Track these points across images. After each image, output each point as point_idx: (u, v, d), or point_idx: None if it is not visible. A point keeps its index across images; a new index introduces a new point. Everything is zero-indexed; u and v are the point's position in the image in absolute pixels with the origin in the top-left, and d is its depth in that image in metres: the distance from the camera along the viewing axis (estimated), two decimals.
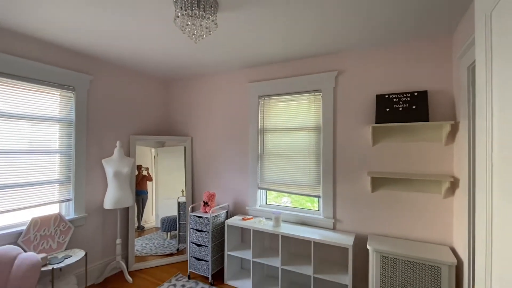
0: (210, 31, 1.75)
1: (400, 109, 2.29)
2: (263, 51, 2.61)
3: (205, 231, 2.83)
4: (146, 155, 3.44)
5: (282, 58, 2.81)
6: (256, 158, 3.06)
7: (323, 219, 2.65)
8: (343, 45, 2.44)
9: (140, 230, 3.42)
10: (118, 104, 3.13)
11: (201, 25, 1.69)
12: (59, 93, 2.60)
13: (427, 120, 2.18)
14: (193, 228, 2.92)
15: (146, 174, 3.39)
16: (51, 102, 2.54)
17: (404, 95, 2.30)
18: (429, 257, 1.97)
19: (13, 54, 2.23)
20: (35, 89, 2.42)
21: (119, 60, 2.92)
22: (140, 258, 3.22)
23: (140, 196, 3.35)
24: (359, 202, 2.53)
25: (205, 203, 2.96)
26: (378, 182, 2.45)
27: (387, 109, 2.34)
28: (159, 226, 3.52)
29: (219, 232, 2.93)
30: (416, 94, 2.26)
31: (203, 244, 2.84)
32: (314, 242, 2.38)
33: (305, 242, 2.74)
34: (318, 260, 2.56)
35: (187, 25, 1.67)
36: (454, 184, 2.15)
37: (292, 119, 2.88)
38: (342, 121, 2.62)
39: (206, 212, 2.95)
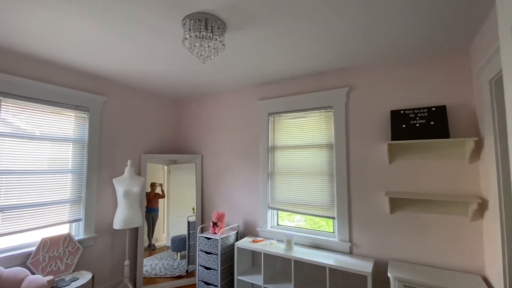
0: (218, 51, 1.76)
1: (417, 125, 2.17)
2: (271, 69, 2.60)
3: (214, 254, 2.72)
4: (159, 172, 3.44)
5: (292, 75, 2.79)
6: (266, 177, 2.98)
7: (339, 242, 2.49)
8: (354, 61, 2.39)
9: (151, 249, 3.35)
10: (130, 124, 3.19)
11: (209, 46, 1.70)
12: (74, 114, 2.67)
13: (447, 136, 2.04)
14: (202, 250, 2.83)
15: (160, 192, 3.36)
16: (66, 123, 2.61)
17: (421, 110, 2.19)
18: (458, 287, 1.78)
19: (30, 78, 2.34)
20: (51, 111, 2.50)
21: (131, 81, 3.00)
22: (149, 280, 3.13)
23: (151, 213, 3.31)
24: (377, 224, 2.37)
25: (214, 224, 2.87)
26: (397, 203, 2.30)
27: (403, 126, 2.23)
28: (170, 245, 3.44)
29: (228, 254, 2.81)
30: (433, 109, 2.15)
31: (212, 268, 2.73)
32: (330, 268, 2.22)
33: (320, 267, 2.57)
34: (334, 287, 2.38)
35: (195, 46, 1.69)
36: (482, 206, 1.97)
37: (303, 136, 2.81)
38: (355, 138, 2.52)
39: (215, 233, 2.86)
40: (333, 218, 2.58)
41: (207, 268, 2.76)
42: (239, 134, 3.28)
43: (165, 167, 3.51)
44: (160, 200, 3.40)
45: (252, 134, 3.16)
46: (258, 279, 2.59)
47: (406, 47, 2.10)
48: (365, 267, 2.13)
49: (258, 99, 3.15)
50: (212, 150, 3.50)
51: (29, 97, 2.31)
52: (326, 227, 2.82)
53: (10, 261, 2.14)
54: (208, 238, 2.79)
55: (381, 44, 2.05)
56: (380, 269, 2.33)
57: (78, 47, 2.15)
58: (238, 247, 2.71)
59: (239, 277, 2.68)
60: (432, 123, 2.12)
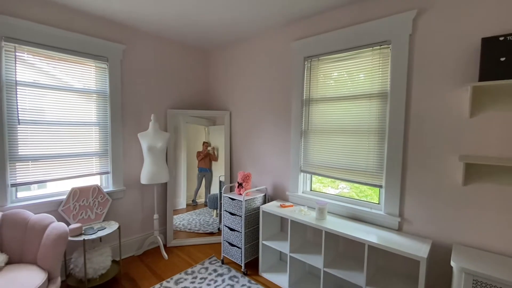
0: None
1: None
2: None
3: (238, 215, 2.52)
4: (201, 134, 3.33)
5: (335, 2, 2.12)
6: (299, 135, 2.53)
7: (385, 216, 2.01)
8: None
9: (194, 204, 3.40)
10: (153, 76, 2.97)
11: None
12: (94, 65, 2.54)
13: None
14: (226, 211, 2.65)
15: (212, 153, 3.26)
16: (88, 74, 2.50)
17: None
18: None
19: (44, 23, 2.19)
20: (71, 60, 2.39)
21: (152, 27, 2.69)
22: (180, 234, 3.18)
23: (202, 173, 3.29)
24: (441, 197, 1.79)
25: (240, 184, 2.62)
26: (475, 171, 1.66)
27: (502, 59, 1.49)
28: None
29: (254, 217, 2.58)
30: None
31: (236, 229, 2.55)
32: (369, 246, 1.80)
33: (358, 243, 2.16)
34: (373, 267, 1.97)
35: None
36: None
37: (347, 84, 2.22)
38: (420, 83, 1.84)
39: (240, 194, 2.63)
40: (380, 186, 2.07)
41: (231, 229, 2.60)
42: (269, 86, 2.81)
43: (206, 129, 3.37)
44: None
45: (284, 85, 2.66)
46: (284, 247, 2.33)
47: None
48: (419, 249, 1.65)
49: (293, 40, 2.57)
50: (241, 106, 3.14)
51: (45, 44, 2.20)
52: (375, 196, 2.32)
53: (44, 207, 2.25)
54: (232, 199, 2.57)
55: None
56: (438, 254, 1.81)
57: None
58: (263, 211, 2.45)
59: (264, 242, 2.45)
60: None
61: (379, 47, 2.03)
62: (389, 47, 1.98)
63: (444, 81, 1.75)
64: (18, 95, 2.10)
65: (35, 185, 2.41)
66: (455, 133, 1.72)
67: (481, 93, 1.62)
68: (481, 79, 1.52)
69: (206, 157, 3.28)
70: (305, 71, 2.49)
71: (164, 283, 2.34)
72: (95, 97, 2.55)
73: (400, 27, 1.89)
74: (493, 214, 1.61)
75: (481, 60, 1.54)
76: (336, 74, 2.29)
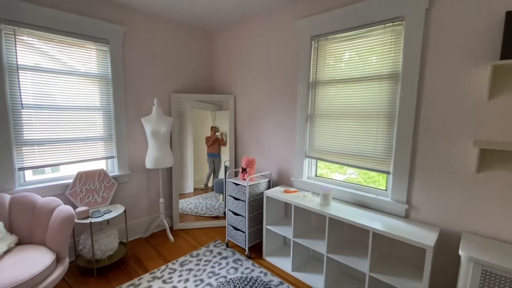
0: None
1: None
2: None
3: (242, 200, 2.51)
4: (208, 119, 3.31)
5: None
6: (305, 120, 2.45)
7: (392, 203, 1.95)
8: None
9: (206, 188, 3.49)
10: (156, 59, 2.90)
11: None
12: (95, 47, 2.48)
13: None
14: (230, 195, 2.64)
15: (220, 138, 3.27)
16: (89, 57, 2.46)
17: None
18: None
19: (46, 5, 2.13)
20: (71, 43, 2.34)
21: (152, 7, 2.59)
22: (187, 217, 3.23)
23: (211, 158, 3.32)
24: (452, 184, 1.71)
25: (244, 170, 2.60)
26: (491, 157, 1.56)
27: None
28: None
29: (258, 202, 2.57)
30: None
31: (240, 214, 2.55)
32: (374, 233, 1.76)
33: (362, 229, 2.12)
34: (378, 255, 1.94)
35: None
36: None
37: (356, 65, 2.09)
38: (435, 62, 1.71)
39: (244, 179, 2.60)
40: (388, 173, 2.00)
41: (235, 214, 2.60)
42: (274, 68, 2.70)
43: (212, 114, 3.34)
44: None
45: (290, 67, 2.55)
46: (288, 232, 2.32)
47: None
48: (426, 237, 1.59)
49: (298, 18, 2.43)
50: (245, 90, 3.06)
51: (43, 26, 2.15)
52: (383, 183, 2.24)
53: (51, 191, 2.29)
54: (236, 184, 2.56)
55: None
56: (445, 243, 1.75)
57: None
58: (267, 196, 2.43)
59: (267, 227, 2.45)
60: None
61: (391, 24, 1.88)
62: (402, 24, 1.83)
63: (461, 60, 1.62)
64: (20, 79, 2.09)
65: (49, 169, 2.46)
66: (470, 117, 1.61)
67: (502, 73, 1.49)
68: (503, 57, 1.39)
69: (215, 143, 3.28)
70: (312, 51, 2.36)
71: (170, 265, 2.39)
72: (97, 81, 2.52)
73: (415, 1, 1.74)
74: (508, 202, 1.53)
75: (504, 37, 1.40)
76: (345, 54, 2.16)
